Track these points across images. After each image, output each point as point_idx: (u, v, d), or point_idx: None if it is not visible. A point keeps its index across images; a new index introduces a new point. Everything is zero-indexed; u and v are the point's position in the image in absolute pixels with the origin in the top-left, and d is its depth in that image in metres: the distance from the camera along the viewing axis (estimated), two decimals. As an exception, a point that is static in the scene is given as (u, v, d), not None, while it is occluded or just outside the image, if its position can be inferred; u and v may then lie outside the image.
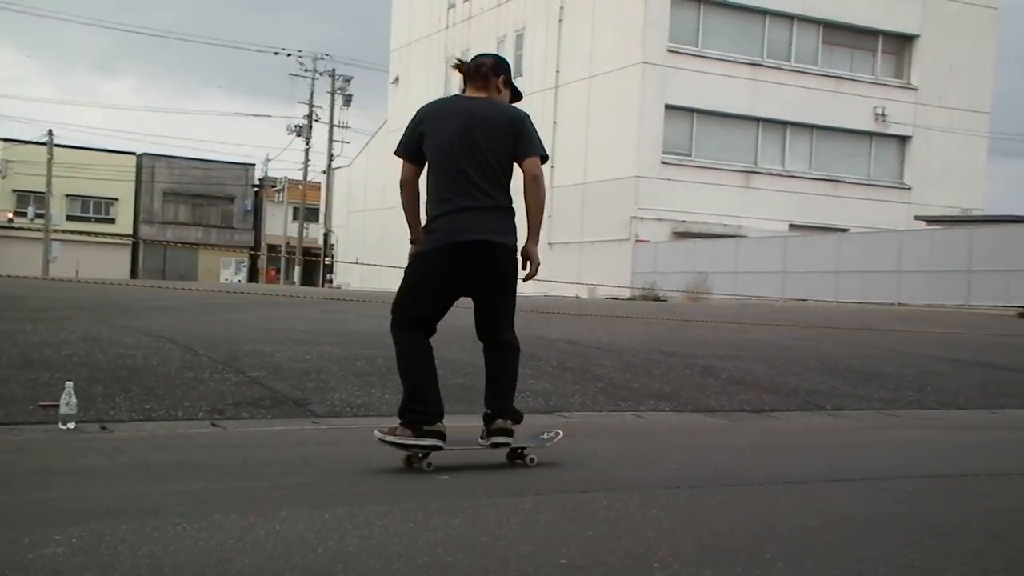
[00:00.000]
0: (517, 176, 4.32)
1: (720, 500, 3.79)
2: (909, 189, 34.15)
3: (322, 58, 53.08)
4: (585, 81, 32.58)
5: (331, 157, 49.54)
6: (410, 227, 4.36)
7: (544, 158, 4.31)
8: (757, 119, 32.26)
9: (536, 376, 7.10)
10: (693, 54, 31.35)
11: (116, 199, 56.57)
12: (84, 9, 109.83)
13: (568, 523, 3.31)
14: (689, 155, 31.55)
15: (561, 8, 34.18)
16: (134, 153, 58.20)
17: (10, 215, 50.15)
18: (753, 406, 6.97)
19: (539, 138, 4.34)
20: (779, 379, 8.04)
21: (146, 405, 5.57)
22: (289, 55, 49.79)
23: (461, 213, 4.17)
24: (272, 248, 56.87)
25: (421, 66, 43.03)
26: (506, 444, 4.32)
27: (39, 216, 46.43)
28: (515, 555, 2.87)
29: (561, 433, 4.55)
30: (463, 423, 4.88)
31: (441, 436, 4.15)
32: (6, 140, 53.04)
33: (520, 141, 4.25)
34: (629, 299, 25.98)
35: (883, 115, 33.45)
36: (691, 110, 31.38)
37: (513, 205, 4.30)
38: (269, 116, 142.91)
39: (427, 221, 4.27)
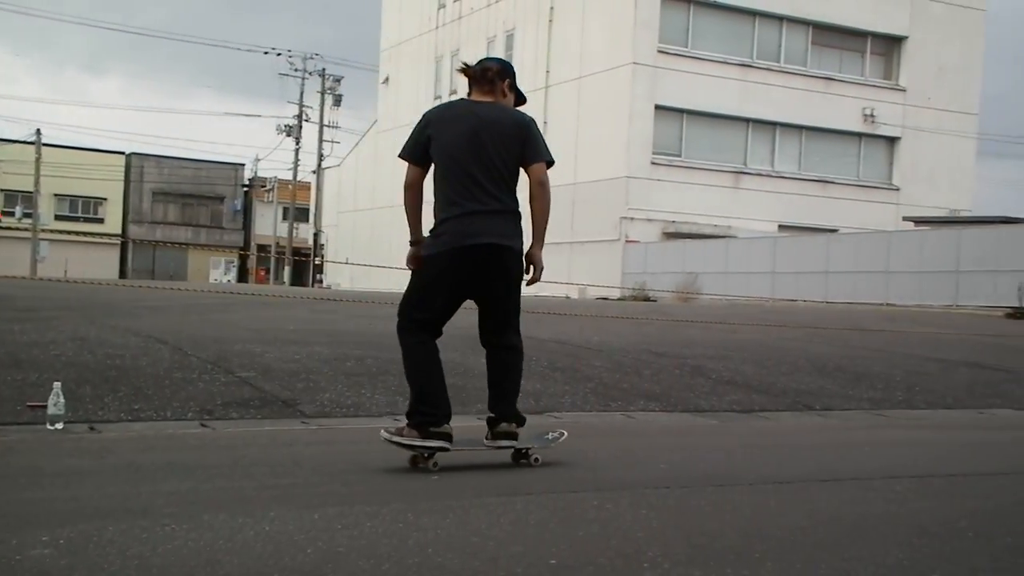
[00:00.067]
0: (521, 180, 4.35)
1: (710, 500, 3.79)
2: (898, 190, 34.28)
3: (312, 58, 53.17)
4: (575, 81, 32.61)
5: (321, 157, 49.50)
6: (411, 229, 4.37)
7: (550, 163, 4.34)
8: (747, 120, 32.34)
9: (526, 376, 7.05)
10: (683, 55, 31.40)
11: (105, 199, 56.36)
12: (73, 8, 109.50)
13: (558, 523, 3.32)
14: (679, 155, 31.61)
15: (551, 8, 34.21)
16: (123, 153, 58.03)
17: (-2, 215, 49.94)
18: (743, 406, 6.99)
19: (545, 143, 4.37)
20: (769, 379, 8.06)
21: (135, 405, 5.55)
22: (279, 55, 49.74)
23: (469, 217, 4.20)
24: (262, 248, 56.77)
25: (411, 66, 43.00)
26: (510, 447, 4.35)
27: (27, 216, 46.17)
28: (505, 555, 2.87)
29: (566, 433, 4.58)
30: (457, 423, 4.87)
31: (447, 438, 4.18)
32: (-6, 139, 52.80)
33: (527, 146, 4.29)
34: (619, 299, 26.01)
35: (872, 116, 33.57)
36: (681, 111, 31.44)
37: (519, 209, 4.32)
38: (259, 116, 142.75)
39: (434, 224, 4.29)
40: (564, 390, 6.85)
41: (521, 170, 4.33)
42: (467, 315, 4.47)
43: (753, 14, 32.40)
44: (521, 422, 4.38)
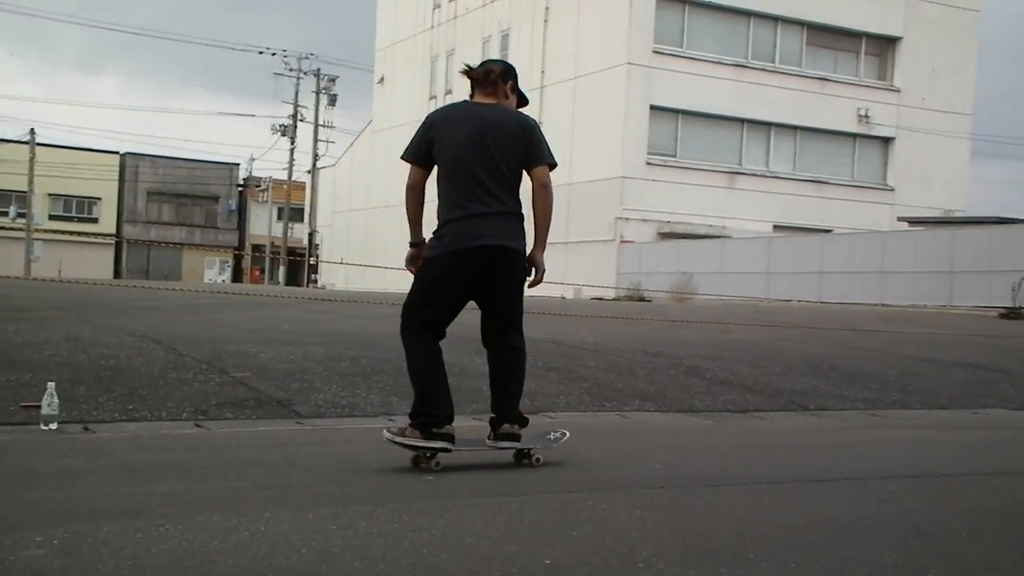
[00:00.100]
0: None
1: (704, 500, 3.80)
2: (892, 190, 34.35)
3: (307, 57, 52.82)
4: (570, 82, 32.63)
5: (316, 157, 49.42)
6: (411, 231, 4.38)
7: (552, 166, 4.36)
8: (742, 120, 32.38)
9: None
10: (678, 55, 31.43)
11: (99, 198, 56.24)
12: (66, 7, 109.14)
13: (553, 523, 3.32)
14: (674, 156, 31.63)
15: (546, 8, 34.21)
16: (117, 152, 57.88)
17: (-8, 214, 49.82)
18: (737, 406, 7.00)
19: (548, 146, 4.39)
20: (763, 379, 8.07)
21: (129, 406, 5.54)
22: (274, 54, 49.67)
23: (473, 219, 4.21)
24: (256, 248, 56.66)
25: (406, 66, 42.99)
26: (513, 448, 4.37)
27: (21, 215, 46.09)
28: (500, 555, 2.87)
29: (568, 433, 4.59)
30: (456, 423, 4.87)
31: (450, 438, 4.19)
32: (-12, 139, 52.67)
33: (530, 148, 4.30)
34: (614, 299, 26.02)
35: (866, 116, 33.63)
36: (676, 111, 31.46)
37: (522, 211, 4.34)
38: (254, 116, 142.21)
39: (438, 226, 4.30)
40: (559, 390, 6.85)
41: (523, 172, 4.34)
42: (462, 315, 4.47)
43: (748, 14, 32.44)
44: (523, 423, 4.39)
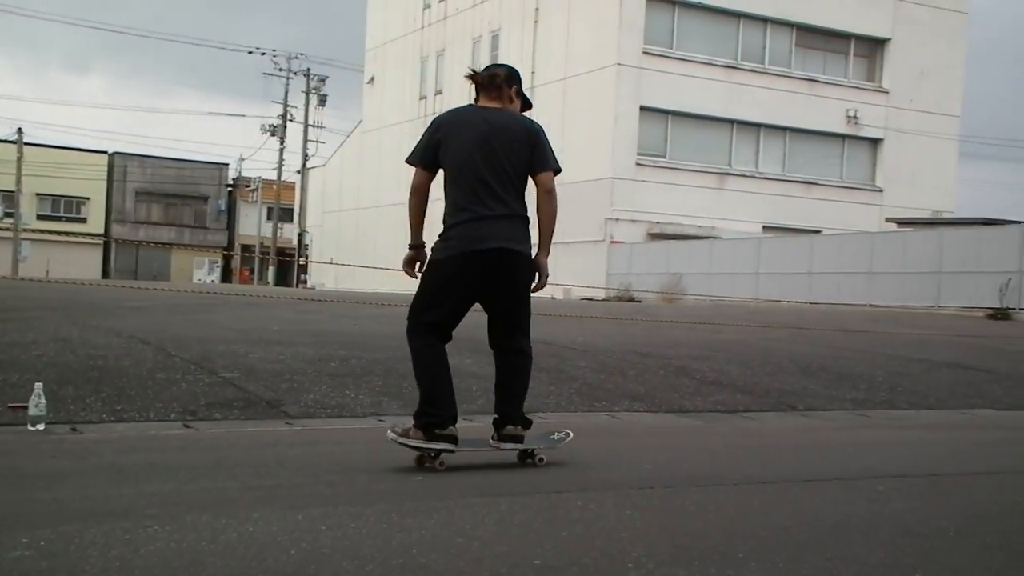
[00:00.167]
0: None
1: (694, 500, 3.80)
2: (881, 191, 34.47)
3: (297, 57, 52.96)
4: (560, 82, 32.64)
5: (305, 157, 49.34)
6: (412, 233, 4.39)
7: (557, 171, 4.40)
8: (731, 121, 32.44)
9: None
10: (668, 56, 31.48)
11: (88, 198, 56.02)
12: (55, 6, 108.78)
13: (542, 523, 3.32)
14: (664, 156, 31.68)
15: (536, 9, 34.22)
16: (106, 152, 57.66)
17: (-21, 214, 49.54)
18: (727, 407, 7.01)
19: (552, 151, 4.43)
20: (753, 380, 8.08)
21: (117, 406, 5.52)
22: (263, 54, 49.55)
23: (478, 222, 4.23)
24: (246, 248, 56.53)
25: (397, 66, 42.94)
26: (516, 448, 4.40)
27: (9, 215, 45.88)
28: (489, 555, 2.87)
29: (572, 433, 4.62)
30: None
31: (453, 439, 4.22)
32: (-25, 138, 52.38)
33: (535, 153, 4.34)
34: (604, 300, 26.04)
35: (855, 118, 33.75)
36: (666, 112, 31.51)
37: (528, 214, 4.37)
38: (243, 116, 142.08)
39: (443, 229, 4.33)
40: (549, 390, 6.85)
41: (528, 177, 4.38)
42: (465, 319, 4.47)
43: (737, 16, 32.51)
44: (527, 425, 4.42)
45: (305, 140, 49.15)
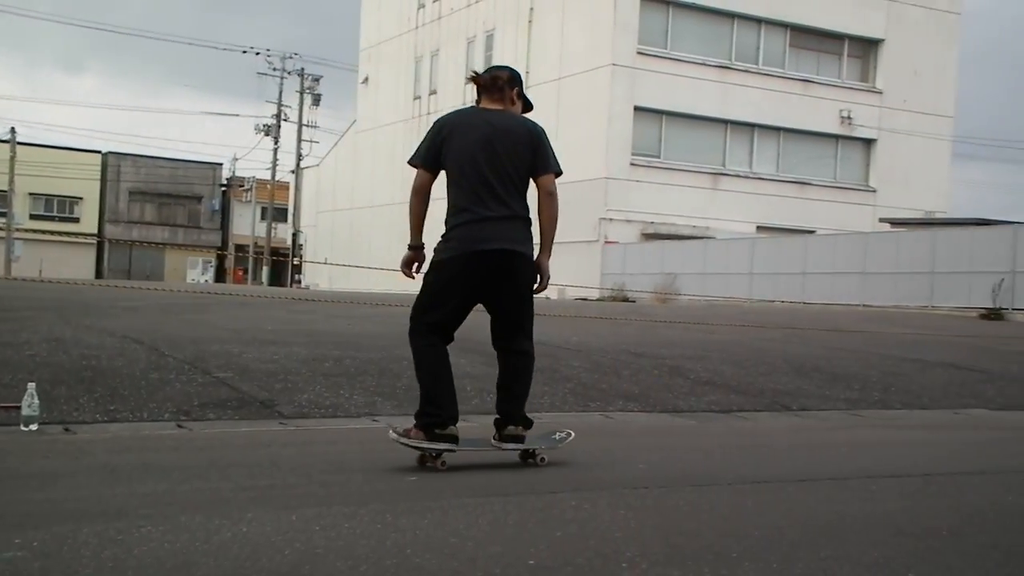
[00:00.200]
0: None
1: (688, 500, 3.81)
2: (874, 191, 34.53)
3: (291, 57, 52.62)
4: (555, 82, 32.64)
5: (300, 157, 49.29)
6: (412, 233, 4.40)
7: (558, 174, 4.43)
8: (725, 121, 32.48)
9: (505, 377, 7.08)
10: (662, 56, 31.50)
11: (81, 198, 55.88)
12: (48, 5, 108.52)
13: (536, 523, 3.32)
14: (658, 157, 31.70)
15: (531, 9, 34.22)
16: (99, 152, 57.52)
17: (-28, 214, 49.35)
18: (721, 407, 7.02)
19: (554, 154, 4.45)
20: (747, 380, 8.10)
21: (110, 406, 5.50)
22: (258, 54, 49.45)
23: (481, 223, 4.25)
24: (240, 248, 56.40)
25: (391, 66, 42.90)
26: (518, 449, 4.41)
27: (1, 215, 45.70)
28: (483, 556, 2.87)
29: (573, 433, 4.63)
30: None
31: (453, 439, 4.23)
32: (-32, 138, 52.20)
33: (537, 155, 4.37)
34: (598, 300, 26.06)
35: (849, 118, 33.80)
36: (660, 112, 31.53)
37: (530, 215, 4.39)
38: (237, 115, 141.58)
39: (445, 231, 4.34)
40: (543, 390, 6.85)
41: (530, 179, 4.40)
42: (465, 321, 4.47)
43: (731, 16, 32.54)
44: (528, 425, 4.42)
45: (299, 140, 49.11)
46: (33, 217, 52.58)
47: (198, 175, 59.57)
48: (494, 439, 4.40)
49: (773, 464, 4.90)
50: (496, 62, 34.78)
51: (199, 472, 4.07)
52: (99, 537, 2.92)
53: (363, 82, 45.17)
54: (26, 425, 4.86)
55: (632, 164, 31.02)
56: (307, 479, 3.99)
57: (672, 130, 31.93)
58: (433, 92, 39.28)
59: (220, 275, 56.41)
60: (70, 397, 5.60)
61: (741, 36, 32.81)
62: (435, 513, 3.39)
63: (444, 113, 4.72)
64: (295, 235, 48.41)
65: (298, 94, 49.44)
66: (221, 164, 61.11)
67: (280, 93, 49.84)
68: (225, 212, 60.50)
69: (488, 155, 4.27)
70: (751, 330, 12.65)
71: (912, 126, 34.29)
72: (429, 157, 4.35)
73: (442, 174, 4.40)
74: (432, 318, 4.32)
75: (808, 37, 33.74)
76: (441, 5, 39.65)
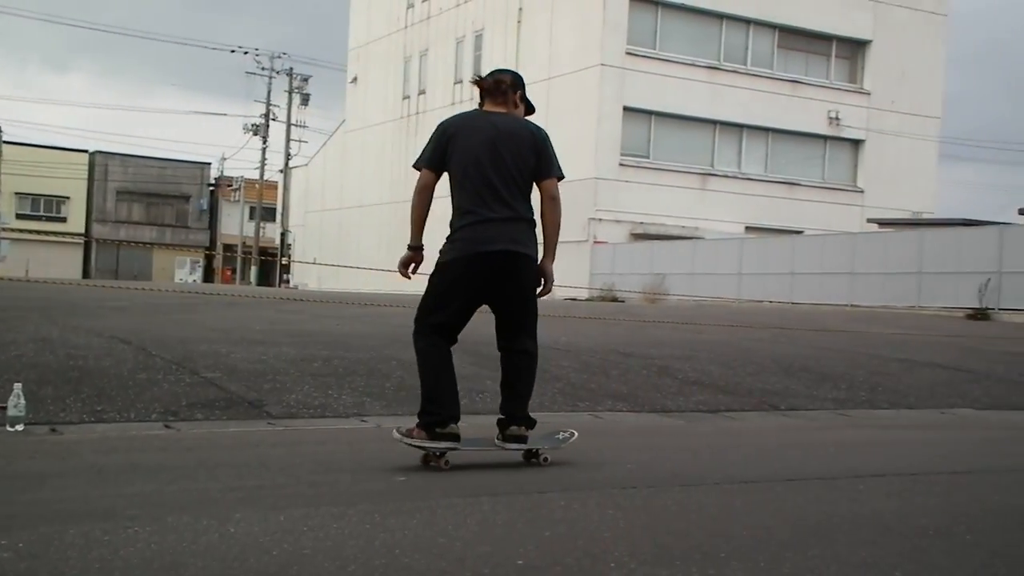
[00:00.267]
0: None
1: (676, 500, 3.81)
2: (862, 192, 34.67)
3: (280, 57, 52.63)
4: (544, 83, 32.63)
5: (288, 156, 49.18)
6: (412, 233, 4.42)
7: (560, 178, 4.45)
8: (714, 122, 32.55)
9: (494, 377, 7.07)
10: (651, 56, 31.55)
11: (68, 197, 55.60)
12: (35, 4, 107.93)
13: (525, 523, 3.32)
14: (647, 157, 31.75)
15: (520, 9, 34.23)
16: (87, 151, 57.25)
17: (-43, 213, 49.07)
18: (709, 406, 7.03)
19: (557, 158, 4.48)
20: (735, 380, 8.11)
21: (98, 407, 5.48)
22: (246, 53, 49.31)
23: (484, 224, 4.27)
24: (228, 248, 56.23)
25: (380, 66, 42.84)
26: (520, 448, 4.42)
27: (-12, 214, 45.49)
28: (472, 556, 2.87)
29: (576, 433, 4.66)
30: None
31: (455, 438, 4.24)
32: (-46, 137, 51.87)
33: (541, 159, 4.40)
34: (587, 300, 26.08)
35: (837, 119, 33.92)
36: (649, 112, 31.58)
37: (534, 217, 4.40)
38: (225, 115, 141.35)
39: (450, 232, 4.36)
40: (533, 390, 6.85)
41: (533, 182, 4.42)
42: (467, 322, 4.47)
43: (720, 17, 32.62)
44: (531, 425, 4.44)
45: (288, 139, 49.00)
46: (20, 216, 52.30)
47: (186, 174, 59.36)
48: (497, 439, 4.41)
49: (761, 464, 4.92)
50: (485, 62, 34.78)
51: (187, 472, 4.05)
52: (86, 538, 2.90)
53: (352, 82, 45.10)
54: (12, 426, 4.84)
55: (621, 164, 31.06)
56: (295, 479, 3.98)
57: (661, 130, 31.99)
58: (422, 92, 39.25)
59: (208, 275, 56.23)
60: (57, 397, 5.57)
61: (730, 37, 32.89)
62: (424, 513, 3.38)
63: (443, 115, 4.75)
64: (283, 235, 48.31)
65: (287, 93, 49.33)
66: (209, 164, 60.95)
67: (269, 93, 49.77)
68: (213, 212, 60.30)
69: (492, 157, 4.29)
70: (739, 330, 12.68)
71: (900, 127, 34.45)
72: (434, 159, 4.38)
73: (444, 175, 4.42)
74: (436, 319, 4.33)
75: (796, 38, 33.85)
76: (430, 5, 39.62)
